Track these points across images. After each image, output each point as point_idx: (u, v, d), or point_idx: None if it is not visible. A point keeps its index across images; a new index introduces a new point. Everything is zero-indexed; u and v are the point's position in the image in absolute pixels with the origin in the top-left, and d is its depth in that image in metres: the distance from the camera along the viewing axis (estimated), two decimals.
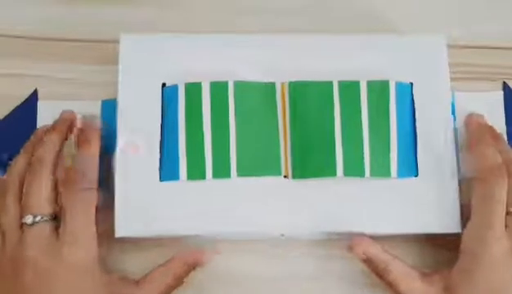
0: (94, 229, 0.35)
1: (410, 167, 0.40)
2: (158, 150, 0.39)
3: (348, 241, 0.38)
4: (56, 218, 0.36)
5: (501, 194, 0.36)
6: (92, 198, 0.36)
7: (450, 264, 0.37)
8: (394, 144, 0.39)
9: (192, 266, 0.37)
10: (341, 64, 0.41)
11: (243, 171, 0.39)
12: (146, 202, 0.38)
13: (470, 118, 0.41)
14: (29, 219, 0.35)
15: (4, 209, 0.36)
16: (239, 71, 0.40)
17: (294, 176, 0.39)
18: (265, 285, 0.41)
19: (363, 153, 0.39)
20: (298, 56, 0.41)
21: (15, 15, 0.45)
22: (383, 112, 0.40)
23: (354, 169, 0.39)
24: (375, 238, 0.41)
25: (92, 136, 0.38)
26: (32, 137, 0.39)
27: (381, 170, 0.39)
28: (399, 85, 0.40)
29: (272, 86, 0.41)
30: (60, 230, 0.35)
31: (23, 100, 0.43)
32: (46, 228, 0.35)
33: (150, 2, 0.46)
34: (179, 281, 0.37)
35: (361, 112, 0.39)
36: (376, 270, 0.38)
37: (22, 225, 0.35)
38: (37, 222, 0.35)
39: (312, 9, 0.46)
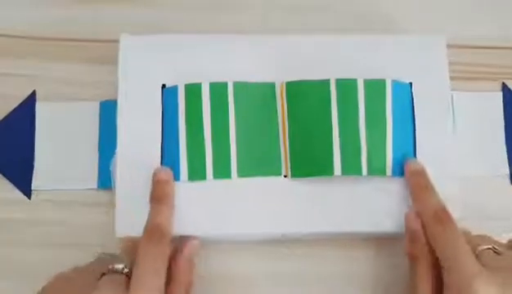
0: (162, 280, 0.34)
1: None
2: (158, 151, 0.39)
3: (348, 241, 0.38)
4: None
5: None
6: (162, 250, 0.35)
7: None
8: (390, 143, 0.39)
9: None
10: (341, 65, 0.41)
11: (243, 172, 0.39)
12: (147, 203, 0.38)
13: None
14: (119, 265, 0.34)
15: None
16: (238, 71, 0.40)
17: (292, 175, 0.39)
18: (265, 285, 0.41)
19: (360, 152, 0.39)
20: (297, 57, 0.41)
21: (15, 15, 0.45)
22: (379, 110, 0.40)
23: (351, 168, 0.39)
24: (375, 238, 0.41)
25: (169, 191, 0.38)
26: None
27: (378, 168, 0.39)
28: (396, 84, 0.40)
29: (272, 86, 0.41)
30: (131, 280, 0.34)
31: (22, 99, 0.43)
32: (122, 277, 0.34)
33: (150, 2, 0.46)
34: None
35: (358, 110, 0.39)
36: None
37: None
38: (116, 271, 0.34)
39: (311, 9, 0.46)
